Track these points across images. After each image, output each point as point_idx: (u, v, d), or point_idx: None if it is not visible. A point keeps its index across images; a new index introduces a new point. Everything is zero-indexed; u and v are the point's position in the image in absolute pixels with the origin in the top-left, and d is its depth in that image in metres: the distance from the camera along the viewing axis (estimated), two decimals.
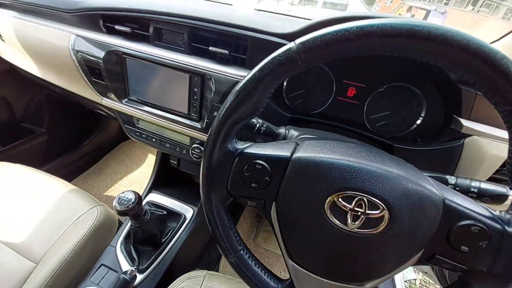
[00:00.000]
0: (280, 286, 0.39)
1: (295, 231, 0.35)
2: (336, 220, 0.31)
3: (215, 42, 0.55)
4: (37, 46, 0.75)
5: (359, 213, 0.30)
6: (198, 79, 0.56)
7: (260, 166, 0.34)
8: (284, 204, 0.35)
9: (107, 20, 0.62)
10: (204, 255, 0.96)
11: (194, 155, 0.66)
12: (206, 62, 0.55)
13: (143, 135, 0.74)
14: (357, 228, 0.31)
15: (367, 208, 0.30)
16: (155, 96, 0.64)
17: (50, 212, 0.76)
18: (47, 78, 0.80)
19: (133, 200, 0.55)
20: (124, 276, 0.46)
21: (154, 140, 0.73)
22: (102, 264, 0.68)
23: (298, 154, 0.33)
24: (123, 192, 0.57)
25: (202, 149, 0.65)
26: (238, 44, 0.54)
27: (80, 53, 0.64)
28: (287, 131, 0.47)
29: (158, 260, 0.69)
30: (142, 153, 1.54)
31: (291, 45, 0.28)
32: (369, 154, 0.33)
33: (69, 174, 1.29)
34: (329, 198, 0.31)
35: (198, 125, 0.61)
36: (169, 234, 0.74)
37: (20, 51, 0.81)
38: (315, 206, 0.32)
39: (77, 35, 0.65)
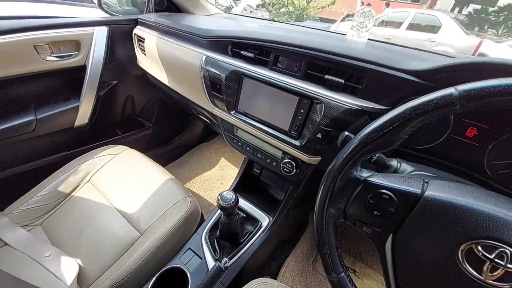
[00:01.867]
0: None
1: (413, 270, 0.35)
2: (470, 268, 0.30)
3: (329, 70, 0.60)
4: (172, 61, 0.95)
5: (499, 265, 0.29)
6: (307, 102, 0.61)
7: (387, 197, 0.35)
8: (406, 239, 0.35)
9: (235, 46, 0.75)
10: (266, 265, 0.99)
11: (285, 169, 0.72)
12: (318, 88, 0.60)
13: (239, 143, 0.84)
14: (493, 280, 0.29)
15: (509, 261, 0.28)
16: (259, 111, 0.73)
17: (154, 194, 0.92)
18: (172, 86, 1.00)
19: (233, 200, 0.63)
20: (220, 265, 0.52)
21: (248, 149, 0.82)
22: (189, 248, 0.78)
23: (431, 192, 0.34)
24: (225, 191, 0.66)
25: (293, 164, 0.70)
26: (353, 74, 0.57)
27: (207, 71, 0.79)
28: (399, 164, 0.47)
29: (236, 257, 0.75)
30: (216, 156, 1.71)
31: (451, 90, 0.29)
32: None
33: (161, 162, 1.53)
34: (465, 244, 0.31)
35: (296, 142, 0.67)
36: (246, 236, 0.80)
37: (156, 63, 1.04)
38: (446, 249, 0.32)
39: (207, 56, 0.80)
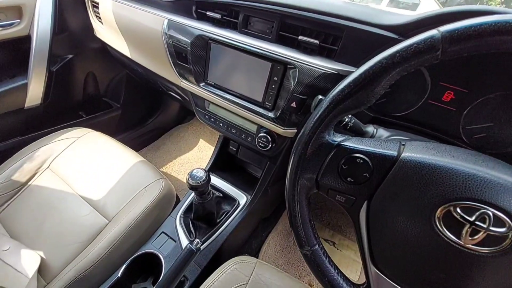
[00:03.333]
0: None
1: (387, 236, 0.33)
2: (448, 232, 0.28)
3: (304, 31, 0.54)
4: (132, 28, 0.83)
5: (480, 228, 0.26)
6: (281, 68, 0.56)
7: (361, 161, 0.32)
8: (380, 206, 0.32)
9: (199, 7, 0.66)
10: (247, 243, 0.98)
11: (260, 144, 0.67)
12: (292, 51, 0.55)
13: (212, 119, 0.78)
14: (473, 245, 0.27)
15: (491, 224, 0.26)
16: (231, 82, 0.67)
17: (123, 177, 0.85)
18: (134, 59, 0.90)
19: (203, 178, 0.59)
20: (191, 246, 0.49)
21: (221, 124, 0.76)
22: (163, 232, 0.73)
23: (408, 153, 0.30)
24: (195, 169, 0.60)
25: (269, 138, 0.66)
26: (329, 34, 0.52)
27: (170, 37, 0.70)
28: (375, 130, 0.44)
29: (212, 238, 0.72)
30: (194, 138, 1.63)
31: (433, 32, 0.25)
32: (497, 165, 0.29)
33: (133, 147, 1.44)
34: (442, 206, 0.28)
35: (271, 114, 0.62)
36: (223, 216, 0.77)
37: (115, 32, 0.92)
38: (422, 213, 0.29)
39: (170, 20, 0.70)
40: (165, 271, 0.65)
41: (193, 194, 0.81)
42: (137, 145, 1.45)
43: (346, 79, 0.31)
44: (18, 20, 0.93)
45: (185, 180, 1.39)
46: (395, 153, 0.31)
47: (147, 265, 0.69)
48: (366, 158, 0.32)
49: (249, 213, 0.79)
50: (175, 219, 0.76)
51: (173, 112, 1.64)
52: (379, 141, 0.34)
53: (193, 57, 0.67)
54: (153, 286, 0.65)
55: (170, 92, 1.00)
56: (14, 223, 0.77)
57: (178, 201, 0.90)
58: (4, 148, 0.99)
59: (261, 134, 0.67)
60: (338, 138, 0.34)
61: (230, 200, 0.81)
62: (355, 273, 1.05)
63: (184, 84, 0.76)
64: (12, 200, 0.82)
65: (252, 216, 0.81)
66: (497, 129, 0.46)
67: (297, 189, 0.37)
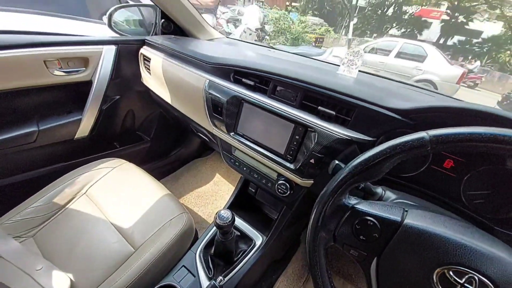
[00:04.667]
0: None
1: None
2: None
3: (323, 102, 0.67)
4: (176, 82, 1.00)
5: None
6: (302, 129, 0.67)
7: (371, 223, 0.40)
8: (388, 263, 0.39)
9: (237, 74, 0.82)
10: (258, 283, 1.00)
11: (279, 190, 0.76)
12: (312, 117, 0.66)
13: (236, 163, 0.89)
14: None
15: (477, 287, 0.32)
16: (257, 134, 0.78)
17: (151, 209, 0.93)
18: (174, 105, 1.05)
19: (230, 219, 0.66)
20: (215, 283, 0.54)
21: (245, 169, 0.86)
22: (183, 266, 0.79)
23: (409, 221, 0.38)
24: (222, 210, 0.69)
25: (288, 185, 0.74)
26: (343, 107, 0.63)
27: (210, 94, 0.84)
28: (383, 192, 0.52)
29: (229, 276, 0.76)
30: (211, 172, 1.74)
31: (423, 134, 0.35)
32: (481, 236, 0.36)
33: (156, 175, 1.55)
34: (438, 268, 0.35)
35: (291, 165, 0.72)
36: (240, 255, 0.82)
37: (160, 82, 1.10)
38: (423, 272, 0.36)
39: (210, 80, 0.86)
40: None
41: (213, 230, 0.88)
42: (159, 174, 1.56)
43: (360, 157, 0.40)
44: (84, 68, 1.13)
45: (200, 213, 1.46)
46: (399, 219, 0.39)
47: None
48: (375, 221, 0.39)
49: (264, 253, 0.84)
50: (195, 254, 0.81)
51: (194, 147, 1.78)
52: (386, 206, 0.42)
53: (227, 111, 0.81)
54: None
55: (199, 134, 1.13)
56: (48, 243, 0.85)
57: (196, 235, 0.96)
58: (51, 172, 1.12)
59: (281, 181, 0.76)
60: (352, 201, 0.43)
61: (246, 239, 0.87)
62: None
63: (216, 131, 0.89)
64: (49, 221, 0.91)
65: (266, 257, 0.86)
66: (494, 197, 0.52)
67: (317, 241, 0.44)
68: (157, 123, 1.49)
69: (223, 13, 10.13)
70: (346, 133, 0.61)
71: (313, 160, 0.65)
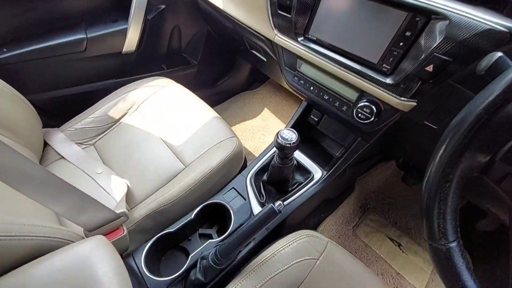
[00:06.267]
0: None
1: None
2: None
3: None
4: None
5: None
6: (421, 20, 0.44)
7: None
8: None
9: None
10: (305, 219, 0.94)
11: (360, 115, 0.58)
12: None
13: (301, 81, 0.71)
14: None
15: None
16: (339, 37, 0.57)
17: (200, 130, 0.87)
18: (227, 10, 0.86)
19: (294, 140, 0.54)
20: (274, 207, 0.45)
21: (312, 88, 0.69)
22: (233, 187, 0.74)
23: None
24: (285, 129, 0.56)
25: (374, 109, 0.56)
26: None
27: None
28: None
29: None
30: (259, 106, 1.60)
31: None
32: None
33: None
34: None
35: (387, 79, 0.51)
36: (295, 186, 0.73)
37: None
38: None
39: None
40: (234, 224, 0.65)
41: (266, 157, 0.79)
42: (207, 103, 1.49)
43: None
44: None
45: (247, 145, 1.40)
46: None
47: (214, 214, 0.71)
48: None
49: (320, 189, 0.73)
50: (246, 178, 0.75)
51: (242, 77, 1.62)
52: None
53: (299, 4, 0.59)
54: (217, 235, 0.67)
55: (252, 51, 0.95)
56: (107, 152, 0.87)
57: (245, 162, 0.90)
58: (103, 87, 1.11)
59: (363, 103, 0.58)
60: None
61: (304, 171, 0.76)
62: (421, 283, 0.93)
63: (279, 38, 0.69)
64: (106, 132, 0.93)
65: (322, 193, 0.75)
66: None
67: (459, 166, 0.28)
68: (204, 44, 1.33)
69: None
70: (502, 22, 0.37)
71: (431, 67, 0.43)
